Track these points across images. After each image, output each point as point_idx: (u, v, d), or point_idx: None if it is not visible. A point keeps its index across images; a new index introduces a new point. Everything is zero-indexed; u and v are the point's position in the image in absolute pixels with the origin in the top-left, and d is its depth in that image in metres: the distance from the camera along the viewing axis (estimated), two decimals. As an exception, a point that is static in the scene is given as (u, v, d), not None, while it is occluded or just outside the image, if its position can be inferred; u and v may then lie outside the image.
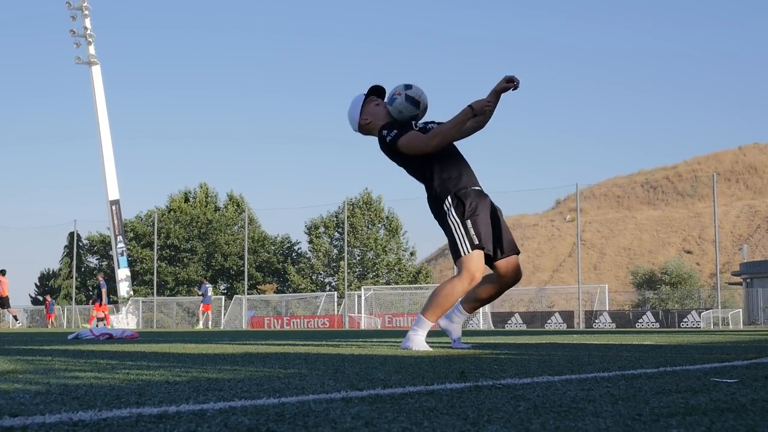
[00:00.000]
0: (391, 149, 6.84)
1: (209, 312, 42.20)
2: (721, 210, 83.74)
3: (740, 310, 48.97)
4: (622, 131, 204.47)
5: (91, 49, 53.97)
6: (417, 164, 6.82)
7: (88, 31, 53.64)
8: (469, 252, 6.54)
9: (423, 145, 6.69)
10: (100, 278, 38.68)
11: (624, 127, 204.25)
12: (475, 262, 6.56)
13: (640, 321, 44.33)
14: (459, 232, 6.58)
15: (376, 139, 6.99)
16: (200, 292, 42.92)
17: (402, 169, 6.94)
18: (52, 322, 54.25)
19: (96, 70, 54.23)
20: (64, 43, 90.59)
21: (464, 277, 6.57)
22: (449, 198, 6.66)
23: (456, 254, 6.61)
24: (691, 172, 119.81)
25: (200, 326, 40.52)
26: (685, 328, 40.18)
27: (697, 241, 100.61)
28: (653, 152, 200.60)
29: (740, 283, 62.39)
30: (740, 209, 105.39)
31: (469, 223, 6.57)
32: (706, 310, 44.88)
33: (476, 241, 6.55)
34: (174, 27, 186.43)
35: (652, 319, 44.21)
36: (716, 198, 48.75)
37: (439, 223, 6.85)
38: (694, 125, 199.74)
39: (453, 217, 6.62)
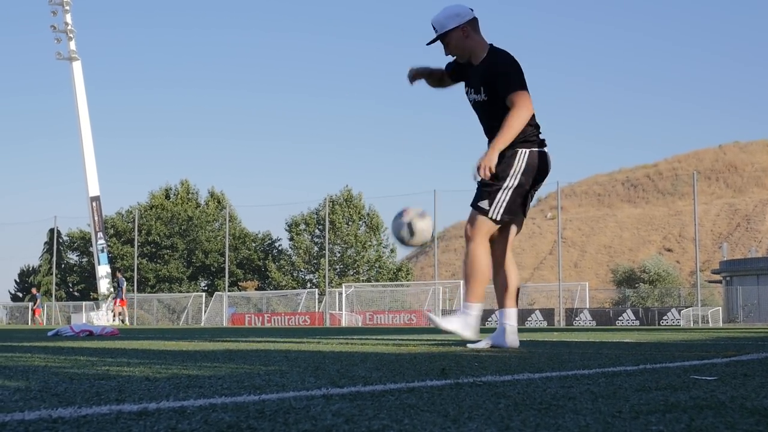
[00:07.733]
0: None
1: (125, 308, 41.51)
2: (701, 208, 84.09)
3: (720, 308, 49.20)
4: (603, 129, 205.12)
5: (72, 45, 53.55)
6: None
7: (69, 27, 53.22)
8: None
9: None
10: (119, 275, 39.99)
11: (605, 126, 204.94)
12: None
13: (620, 318, 44.46)
14: None
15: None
16: (115, 285, 42.07)
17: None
18: (39, 317, 53.72)
19: (77, 66, 53.85)
20: (45, 39, 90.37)
21: None
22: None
23: None
24: (671, 170, 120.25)
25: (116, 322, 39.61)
26: (665, 325, 40.30)
27: (677, 239, 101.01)
28: (634, 151, 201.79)
29: (720, 281, 62.61)
30: (720, 207, 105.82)
31: None
32: (686, 308, 45.02)
33: None
34: (155, 23, 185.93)
35: (632, 317, 44.35)
36: (696, 196, 48.98)
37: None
38: (675, 124, 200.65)
39: None
